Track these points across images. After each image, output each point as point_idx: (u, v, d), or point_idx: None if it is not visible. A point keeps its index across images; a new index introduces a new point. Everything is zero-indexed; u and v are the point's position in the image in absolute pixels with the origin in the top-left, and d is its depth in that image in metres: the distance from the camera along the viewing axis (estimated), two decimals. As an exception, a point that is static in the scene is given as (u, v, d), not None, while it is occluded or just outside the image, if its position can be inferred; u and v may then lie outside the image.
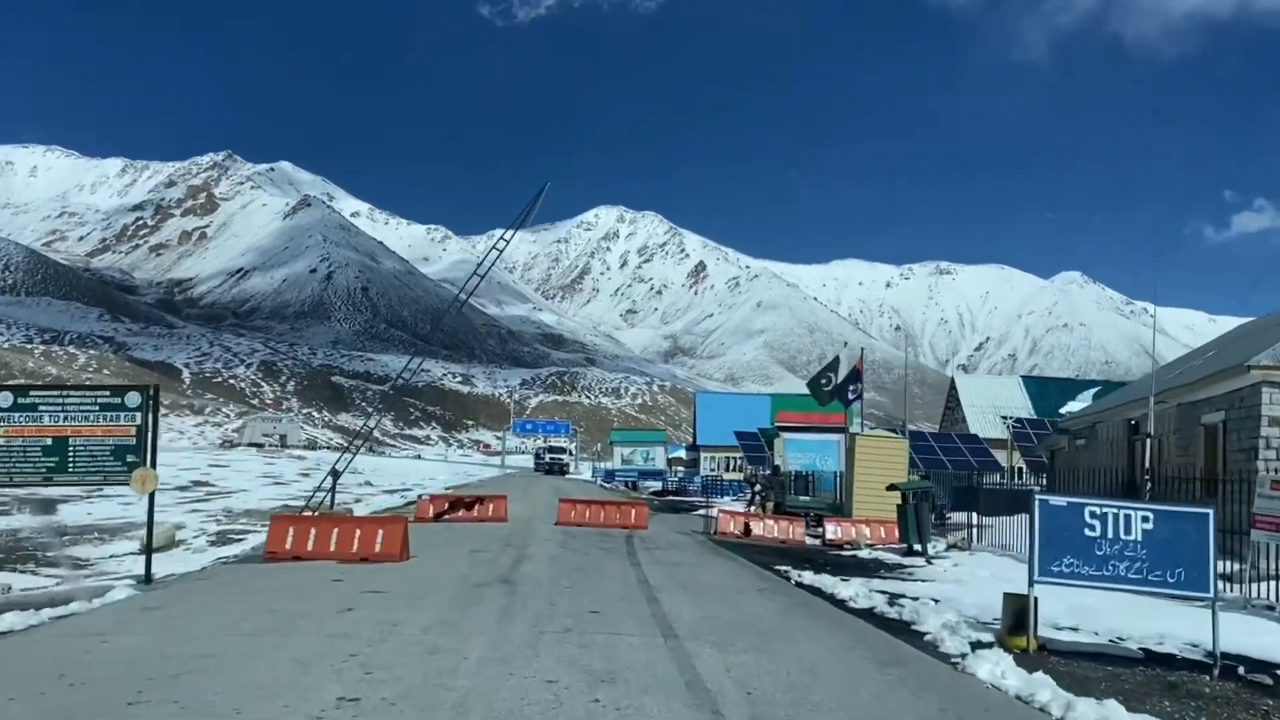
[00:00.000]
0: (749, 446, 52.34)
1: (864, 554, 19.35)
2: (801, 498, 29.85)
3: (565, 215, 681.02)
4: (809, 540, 21.63)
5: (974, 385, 62.73)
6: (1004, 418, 51.99)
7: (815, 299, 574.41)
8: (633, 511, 23.03)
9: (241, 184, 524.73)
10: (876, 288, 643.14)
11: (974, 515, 20.88)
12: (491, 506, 23.06)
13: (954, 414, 59.73)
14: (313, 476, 45.27)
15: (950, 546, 19.48)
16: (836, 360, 32.09)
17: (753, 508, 25.94)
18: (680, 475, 64.13)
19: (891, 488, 20.59)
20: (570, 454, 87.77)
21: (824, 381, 30.72)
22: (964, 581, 14.38)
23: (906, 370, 47.99)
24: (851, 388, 29.05)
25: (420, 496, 24.36)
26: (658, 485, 59.91)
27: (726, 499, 41.47)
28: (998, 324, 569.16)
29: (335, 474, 21.69)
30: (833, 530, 21.65)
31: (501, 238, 22.21)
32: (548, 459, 78.69)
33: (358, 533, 14.26)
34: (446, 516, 22.51)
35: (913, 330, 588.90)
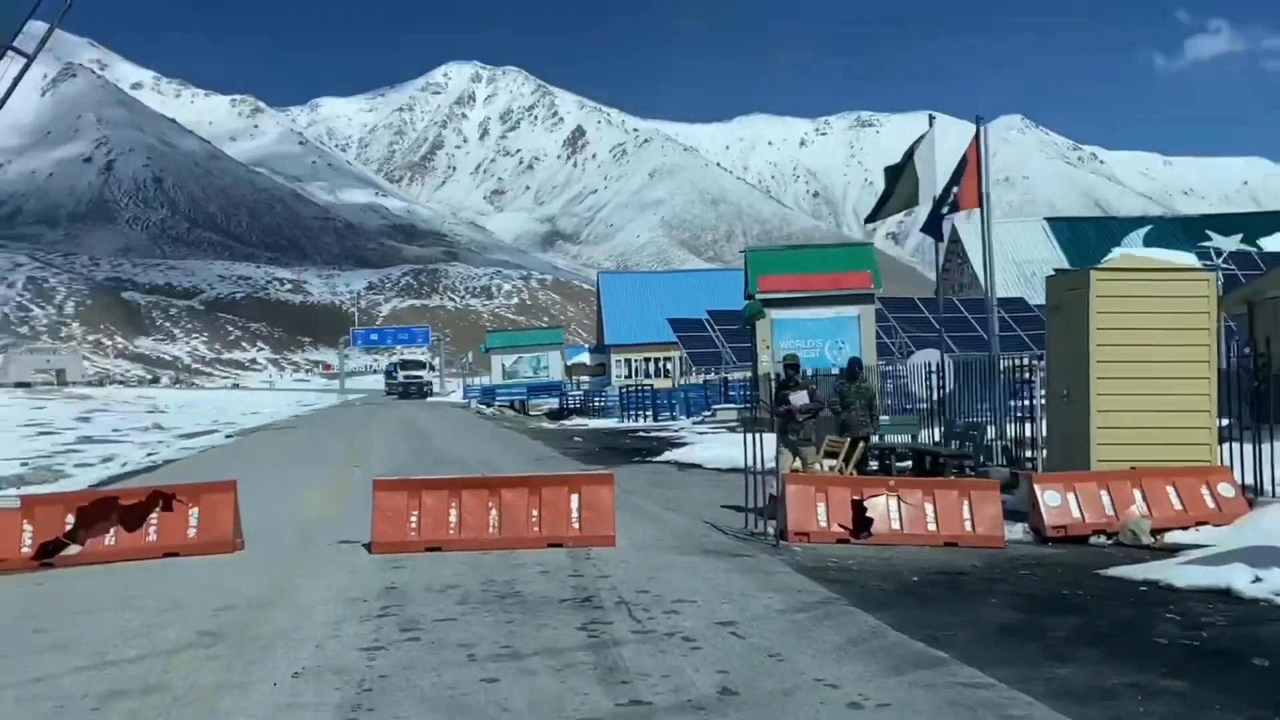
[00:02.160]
0: (692, 339, 47.01)
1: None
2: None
3: (407, 76, 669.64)
4: (1011, 534, 11.25)
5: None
6: (1061, 271, 50.20)
7: (718, 164, 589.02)
8: (573, 497, 10.96)
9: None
10: (789, 147, 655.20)
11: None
12: (194, 514, 10.79)
13: (955, 276, 56.43)
14: (95, 421, 42.66)
15: None
16: (913, 148, 19.90)
17: (806, 457, 13.68)
18: (586, 388, 59.31)
19: None
20: (432, 369, 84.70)
21: (890, 183, 20.24)
22: None
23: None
24: (951, 195, 18.54)
25: (19, 498, 11.42)
26: (554, 403, 54.73)
27: (685, 421, 35.68)
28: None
29: None
30: (1056, 501, 11.35)
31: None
32: (401, 378, 74.92)
33: None
34: (72, 551, 10.41)
35: (833, 195, 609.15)
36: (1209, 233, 42.57)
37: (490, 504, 10.86)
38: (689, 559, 10.04)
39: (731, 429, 27.36)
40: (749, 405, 27.95)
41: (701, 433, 27.62)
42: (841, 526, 11.00)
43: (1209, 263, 30.43)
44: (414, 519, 10.72)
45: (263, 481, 16.70)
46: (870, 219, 21.21)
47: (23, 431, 36.46)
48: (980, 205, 17.87)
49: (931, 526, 10.98)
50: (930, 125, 20.94)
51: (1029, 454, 14.87)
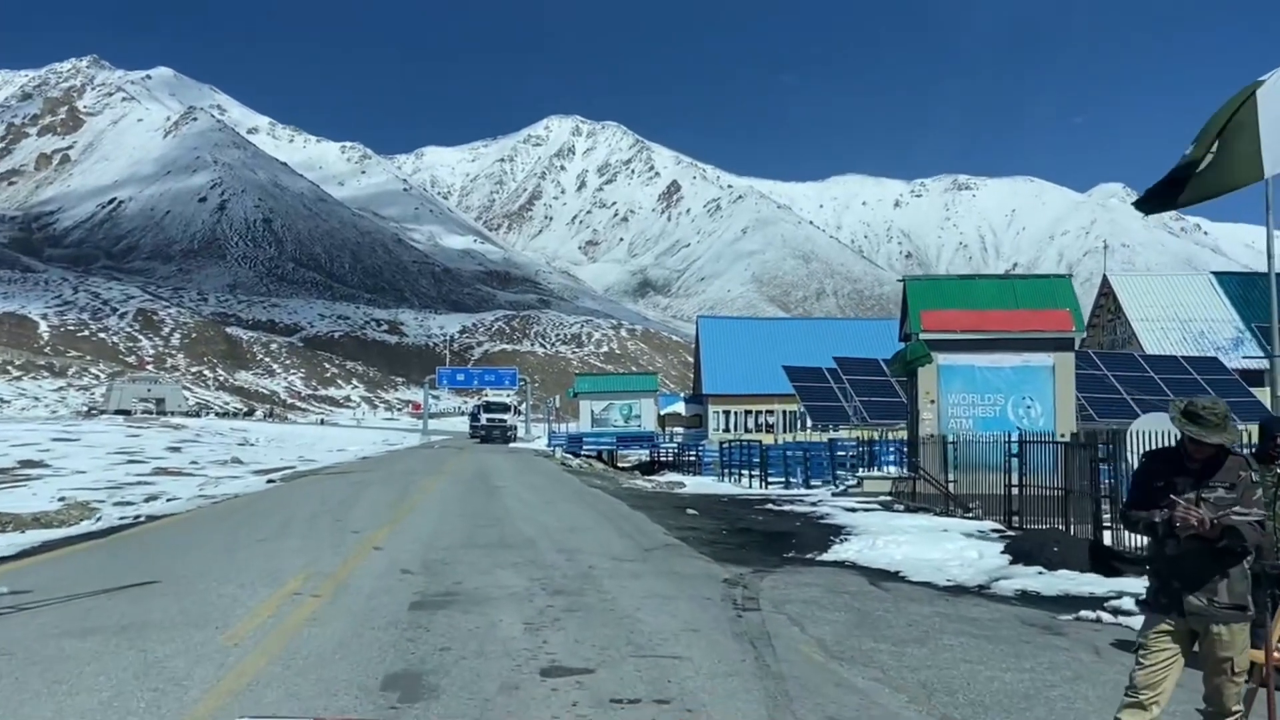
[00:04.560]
0: (812, 391, 41.23)
1: None
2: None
3: (510, 129, 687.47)
4: None
5: (1144, 289, 52.75)
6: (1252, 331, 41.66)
7: (811, 222, 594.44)
8: None
9: (111, 95, 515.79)
10: (883, 208, 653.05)
11: None
12: None
13: (1105, 332, 53.43)
14: (184, 451, 42.98)
15: None
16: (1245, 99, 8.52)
17: (1230, 646, 4.50)
18: (680, 440, 56.10)
19: None
20: (516, 412, 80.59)
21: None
22: None
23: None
24: None
25: None
26: (644, 454, 52.27)
27: (818, 491, 27.87)
28: (1026, 247, 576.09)
29: None
30: None
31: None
32: (484, 421, 70.73)
33: None
34: None
35: (926, 257, 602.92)
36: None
37: None
38: None
39: (887, 505, 21.32)
40: (910, 474, 23.41)
41: (851, 509, 20.40)
42: None
43: None
44: None
45: (211, 578, 10.57)
46: (1150, 207, 10.75)
47: (112, 459, 35.98)
48: None
49: None
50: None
51: None
